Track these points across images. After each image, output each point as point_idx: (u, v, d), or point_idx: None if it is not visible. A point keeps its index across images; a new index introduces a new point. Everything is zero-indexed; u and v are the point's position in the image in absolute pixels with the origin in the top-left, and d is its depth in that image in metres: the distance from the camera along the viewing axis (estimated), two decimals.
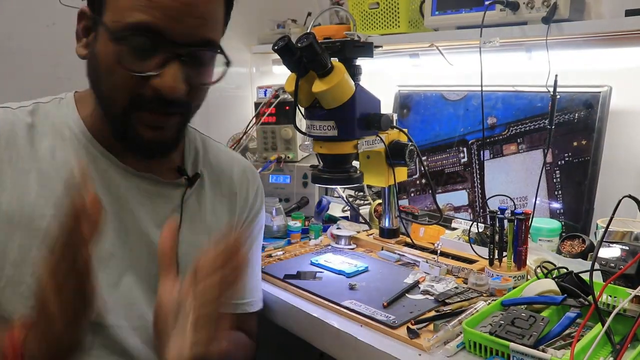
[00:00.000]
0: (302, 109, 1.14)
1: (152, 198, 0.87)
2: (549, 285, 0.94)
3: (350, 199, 1.67)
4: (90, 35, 0.79)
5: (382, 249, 1.32)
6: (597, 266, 0.99)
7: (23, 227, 0.76)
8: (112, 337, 0.80)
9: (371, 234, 1.42)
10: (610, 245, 1.01)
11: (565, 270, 1.01)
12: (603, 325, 0.80)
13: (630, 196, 0.82)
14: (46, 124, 0.83)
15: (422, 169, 1.31)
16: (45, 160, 0.80)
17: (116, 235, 0.83)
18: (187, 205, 0.90)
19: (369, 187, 1.69)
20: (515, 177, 1.45)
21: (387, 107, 1.25)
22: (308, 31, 1.04)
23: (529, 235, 1.11)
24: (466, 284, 1.10)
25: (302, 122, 1.16)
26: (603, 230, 0.92)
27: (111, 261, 0.82)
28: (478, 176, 1.52)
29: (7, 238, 0.75)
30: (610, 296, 0.93)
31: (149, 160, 0.85)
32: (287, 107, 1.68)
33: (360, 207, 1.61)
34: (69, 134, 0.83)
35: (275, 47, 1.03)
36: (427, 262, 1.19)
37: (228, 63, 0.80)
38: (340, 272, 1.17)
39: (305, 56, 1.02)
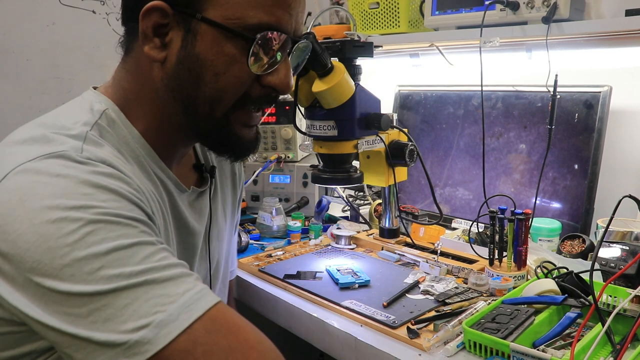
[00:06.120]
0: (302, 109, 1.13)
1: (196, 209, 0.86)
2: (549, 285, 0.94)
3: (350, 199, 1.67)
4: (171, 34, 0.68)
5: (382, 249, 1.32)
6: (597, 266, 0.99)
7: None
8: None
9: (371, 234, 1.42)
10: (611, 245, 1.02)
11: (565, 270, 1.01)
12: (603, 325, 0.80)
13: (630, 196, 0.82)
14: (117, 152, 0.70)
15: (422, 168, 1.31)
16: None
17: (182, 256, 0.83)
18: (213, 203, 0.92)
19: (369, 187, 1.69)
20: (515, 177, 1.45)
21: (387, 107, 1.25)
22: (308, 31, 1.03)
23: (529, 235, 1.11)
24: (466, 284, 1.10)
25: (302, 122, 1.16)
26: (603, 230, 0.92)
27: None
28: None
29: None
30: (611, 296, 0.93)
31: (242, 159, 0.83)
32: (287, 107, 1.68)
33: (360, 207, 1.61)
34: (136, 157, 0.72)
35: None
36: (427, 262, 1.19)
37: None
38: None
39: None
